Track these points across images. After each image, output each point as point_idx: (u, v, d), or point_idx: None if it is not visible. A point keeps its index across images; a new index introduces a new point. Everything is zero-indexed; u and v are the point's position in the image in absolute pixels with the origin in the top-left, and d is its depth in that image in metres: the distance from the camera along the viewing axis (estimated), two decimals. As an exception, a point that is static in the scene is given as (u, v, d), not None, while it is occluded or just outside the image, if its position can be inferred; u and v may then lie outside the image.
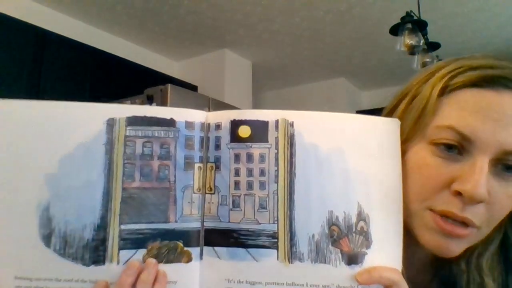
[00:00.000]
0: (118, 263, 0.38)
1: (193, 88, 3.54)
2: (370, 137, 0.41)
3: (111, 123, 0.39)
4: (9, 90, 2.40)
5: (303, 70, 4.14)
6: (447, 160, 0.41)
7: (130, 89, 2.69)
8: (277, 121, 0.40)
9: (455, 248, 0.42)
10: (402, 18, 2.15)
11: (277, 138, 0.40)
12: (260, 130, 0.40)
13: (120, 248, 0.38)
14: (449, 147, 0.42)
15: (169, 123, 0.40)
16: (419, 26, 2.14)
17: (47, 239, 0.38)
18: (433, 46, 2.33)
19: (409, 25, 2.13)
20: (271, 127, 0.40)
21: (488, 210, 0.41)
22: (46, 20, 2.76)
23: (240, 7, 2.93)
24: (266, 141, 0.40)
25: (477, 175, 0.39)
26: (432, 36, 2.35)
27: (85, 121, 0.39)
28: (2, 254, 0.39)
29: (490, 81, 0.41)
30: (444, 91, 0.43)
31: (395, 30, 2.16)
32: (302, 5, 2.90)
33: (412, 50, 2.16)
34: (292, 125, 0.40)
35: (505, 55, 0.45)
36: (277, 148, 0.40)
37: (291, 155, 0.40)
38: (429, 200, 0.42)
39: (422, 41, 2.16)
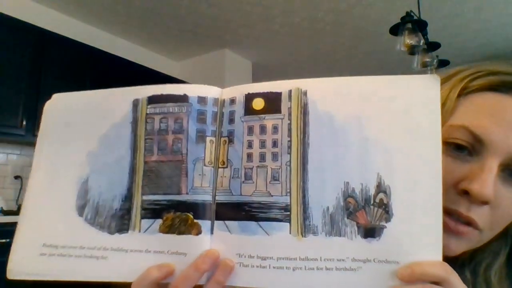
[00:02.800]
0: (140, 230, 0.40)
1: (193, 88, 3.55)
2: (397, 101, 0.38)
3: (136, 103, 0.43)
4: (9, 90, 2.40)
5: (303, 70, 4.14)
6: (456, 160, 0.42)
7: (130, 89, 2.70)
8: (290, 91, 0.39)
9: (455, 246, 0.42)
10: (402, 18, 2.15)
11: (290, 109, 0.39)
12: (273, 102, 0.40)
13: (142, 218, 0.40)
14: (459, 147, 0.42)
15: (183, 98, 0.41)
16: (419, 26, 2.14)
17: (81, 209, 0.42)
18: (433, 46, 2.33)
19: (409, 25, 2.13)
20: (284, 98, 0.39)
21: (492, 213, 0.41)
22: (46, 20, 2.76)
23: (240, 7, 2.93)
24: (279, 112, 0.39)
25: (485, 175, 0.39)
26: (432, 36, 2.35)
27: (116, 104, 0.44)
28: (36, 221, 0.43)
29: (508, 86, 0.42)
30: (462, 93, 0.44)
31: (395, 30, 2.16)
32: (302, 5, 2.90)
33: (412, 50, 2.17)
34: (305, 94, 0.39)
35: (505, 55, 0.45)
36: (290, 119, 0.39)
37: (304, 124, 0.39)
38: None
39: (422, 41, 2.16)
